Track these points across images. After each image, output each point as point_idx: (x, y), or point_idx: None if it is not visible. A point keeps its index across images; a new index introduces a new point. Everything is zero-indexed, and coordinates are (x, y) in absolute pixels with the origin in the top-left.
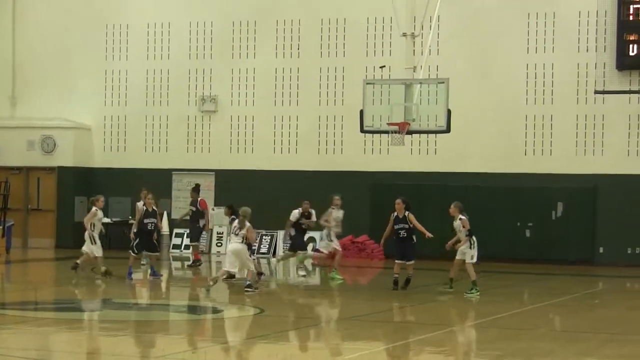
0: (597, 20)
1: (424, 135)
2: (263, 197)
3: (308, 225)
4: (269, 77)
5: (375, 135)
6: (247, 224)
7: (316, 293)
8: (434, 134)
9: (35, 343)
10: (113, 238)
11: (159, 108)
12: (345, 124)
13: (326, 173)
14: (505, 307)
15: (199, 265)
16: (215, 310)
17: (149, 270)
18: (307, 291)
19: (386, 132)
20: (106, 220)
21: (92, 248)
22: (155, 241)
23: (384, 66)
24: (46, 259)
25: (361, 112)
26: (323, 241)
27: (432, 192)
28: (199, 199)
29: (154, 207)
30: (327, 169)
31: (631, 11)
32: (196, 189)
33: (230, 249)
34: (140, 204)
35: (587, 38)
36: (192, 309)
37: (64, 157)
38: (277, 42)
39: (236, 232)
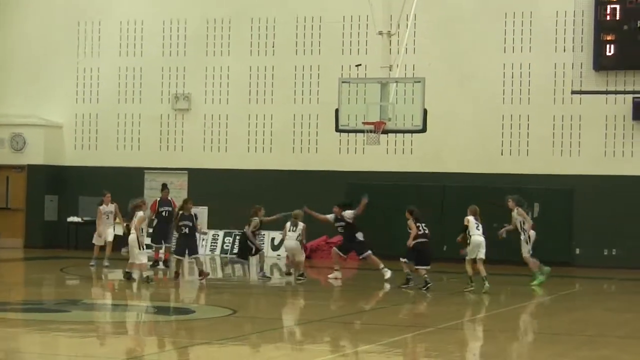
0: (574, 20)
1: (400, 135)
2: (237, 197)
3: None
4: (243, 76)
5: (350, 134)
6: (301, 224)
7: (290, 294)
8: (410, 134)
9: (2, 345)
10: (83, 238)
11: (132, 106)
12: (320, 123)
13: (301, 172)
14: (481, 309)
15: (163, 267)
16: (187, 312)
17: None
18: (283, 292)
19: (362, 131)
20: (76, 219)
21: (139, 255)
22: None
23: (360, 65)
24: (15, 259)
25: (336, 111)
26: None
27: (408, 192)
28: (169, 198)
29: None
30: (302, 169)
31: (608, 11)
32: (165, 188)
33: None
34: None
35: (564, 38)
36: (163, 310)
37: (34, 155)
38: (252, 40)
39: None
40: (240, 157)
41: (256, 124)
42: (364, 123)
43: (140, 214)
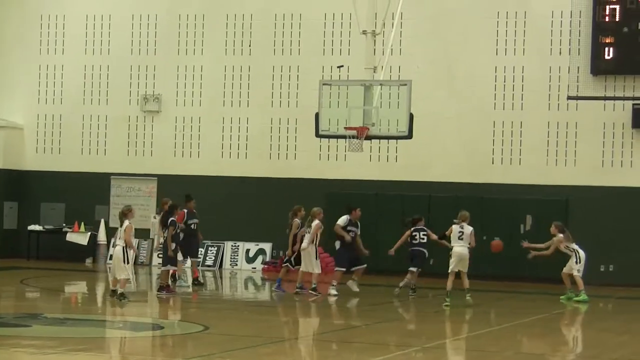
0: (571, 21)
1: (383, 141)
2: (209, 205)
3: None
4: (217, 76)
5: (331, 140)
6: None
7: (266, 309)
8: (395, 140)
9: None
10: (44, 248)
11: (98, 107)
12: (299, 127)
13: (278, 180)
14: (470, 328)
15: (202, 284)
16: (156, 327)
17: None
18: (258, 307)
19: (343, 137)
20: (38, 228)
21: (121, 269)
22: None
23: (342, 66)
24: None
25: (317, 115)
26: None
27: (392, 202)
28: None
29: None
30: (279, 176)
31: (607, 12)
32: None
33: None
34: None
35: (560, 40)
36: (130, 326)
37: None
38: (226, 38)
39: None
40: (213, 162)
41: (231, 127)
42: (346, 128)
43: (126, 222)
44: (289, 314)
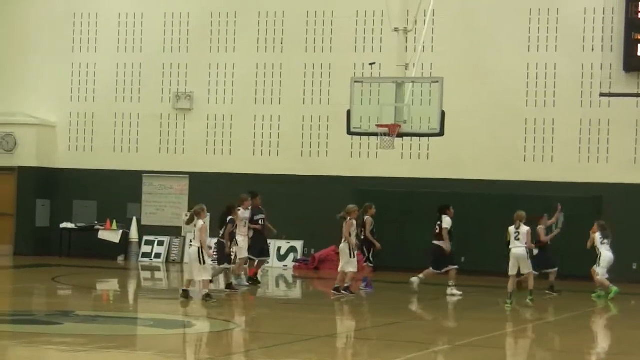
0: (603, 18)
1: (415, 139)
2: None
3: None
4: (249, 74)
5: (363, 137)
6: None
7: (297, 307)
8: (427, 137)
9: None
10: (77, 246)
11: (130, 105)
12: (331, 125)
13: (310, 177)
14: (500, 326)
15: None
16: (187, 325)
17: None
18: (289, 305)
19: (375, 134)
20: (70, 226)
21: (200, 270)
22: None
23: (374, 63)
24: (4, 267)
25: (348, 112)
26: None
27: (423, 200)
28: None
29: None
30: (310, 174)
31: None
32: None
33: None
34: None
35: (593, 37)
36: (161, 323)
37: (26, 157)
38: (258, 36)
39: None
40: (245, 160)
41: (262, 125)
42: (377, 126)
43: (200, 222)
44: (321, 312)
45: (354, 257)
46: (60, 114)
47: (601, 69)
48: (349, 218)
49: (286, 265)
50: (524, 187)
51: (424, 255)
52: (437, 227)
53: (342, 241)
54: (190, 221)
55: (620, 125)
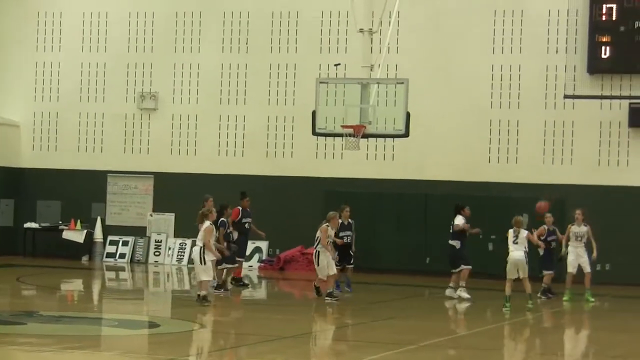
0: (567, 20)
1: (380, 140)
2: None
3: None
4: (214, 74)
5: (328, 138)
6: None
7: (262, 307)
8: (392, 138)
9: None
10: (41, 246)
11: (94, 105)
12: (296, 125)
13: (275, 178)
14: (466, 326)
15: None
16: (152, 325)
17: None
18: (255, 306)
19: (340, 135)
20: (34, 225)
21: (201, 271)
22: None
23: (339, 64)
24: None
25: (314, 113)
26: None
27: (388, 200)
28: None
29: (349, 220)
30: (276, 174)
31: (604, 11)
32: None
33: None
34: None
35: (557, 39)
36: (126, 324)
37: None
38: (223, 36)
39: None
40: (210, 160)
41: (227, 125)
42: (342, 126)
43: (207, 223)
44: (287, 312)
45: (319, 264)
46: (24, 113)
47: (565, 71)
48: (326, 224)
49: (251, 266)
50: (489, 188)
51: (392, 255)
52: (451, 226)
53: (316, 247)
54: (200, 221)
55: (584, 127)
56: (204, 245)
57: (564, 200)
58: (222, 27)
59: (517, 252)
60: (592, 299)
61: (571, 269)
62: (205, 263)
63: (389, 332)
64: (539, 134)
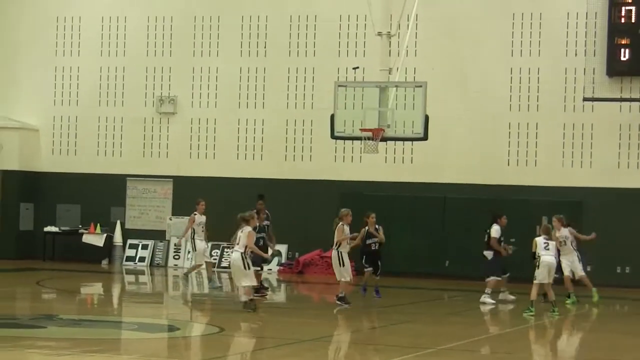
0: (586, 23)
1: (399, 143)
2: (224, 207)
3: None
4: (232, 78)
5: (346, 141)
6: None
7: (281, 311)
8: (410, 142)
9: None
10: (60, 249)
11: (113, 109)
12: (314, 129)
13: (293, 181)
14: (484, 330)
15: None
16: (172, 329)
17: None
18: (274, 309)
19: (359, 138)
20: (54, 229)
21: (244, 277)
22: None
23: (357, 67)
24: None
25: (332, 116)
26: None
27: (406, 204)
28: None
29: (376, 227)
30: (294, 177)
31: (623, 13)
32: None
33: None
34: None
35: (576, 41)
36: (146, 327)
37: (9, 160)
38: (242, 40)
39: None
40: (228, 164)
41: (246, 129)
42: (361, 130)
43: (248, 229)
44: (306, 316)
45: (343, 265)
46: (43, 117)
47: (584, 73)
48: (340, 223)
49: (270, 269)
50: (507, 191)
51: (410, 258)
52: (487, 235)
53: (335, 248)
54: (239, 226)
55: (603, 130)
56: (245, 250)
57: (582, 203)
58: (240, 31)
59: (549, 257)
60: (570, 301)
61: (567, 272)
62: (249, 268)
63: (408, 336)
64: (557, 137)
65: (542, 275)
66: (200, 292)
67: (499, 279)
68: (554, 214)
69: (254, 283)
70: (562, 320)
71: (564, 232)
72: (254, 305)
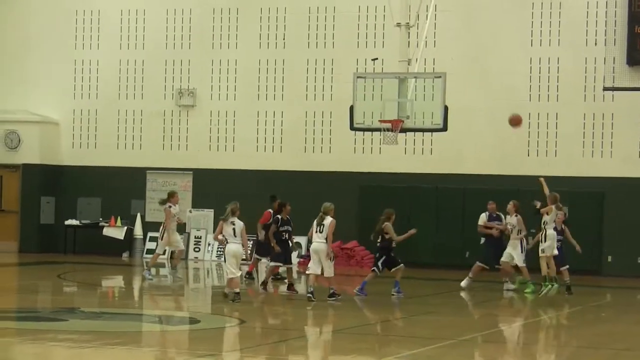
0: (606, 12)
1: (418, 134)
2: (244, 199)
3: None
4: (251, 70)
5: (366, 133)
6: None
7: (302, 304)
8: (430, 133)
9: None
10: (81, 243)
11: (133, 102)
12: (333, 120)
13: (312, 173)
14: (505, 320)
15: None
16: (193, 321)
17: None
18: (293, 301)
19: (378, 130)
20: (75, 222)
21: (233, 268)
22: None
23: (376, 59)
24: (9, 264)
25: (351, 108)
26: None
27: (426, 195)
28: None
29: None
30: (313, 169)
31: None
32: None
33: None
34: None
35: (596, 31)
36: (166, 320)
37: (30, 154)
38: (260, 32)
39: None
40: (248, 156)
41: (265, 121)
42: (380, 121)
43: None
44: (324, 307)
45: (331, 260)
46: (63, 111)
47: (604, 63)
48: (328, 217)
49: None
50: (527, 182)
51: (430, 250)
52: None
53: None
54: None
55: (623, 119)
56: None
57: (604, 193)
58: (259, 23)
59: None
60: (513, 286)
61: (506, 258)
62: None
63: (428, 327)
64: (578, 126)
65: (551, 248)
66: (221, 284)
67: (482, 265)
68: (574, 204)
69: (234, 275)
70: (581, 312)
71: (513, 219)
72: (236, 297)
